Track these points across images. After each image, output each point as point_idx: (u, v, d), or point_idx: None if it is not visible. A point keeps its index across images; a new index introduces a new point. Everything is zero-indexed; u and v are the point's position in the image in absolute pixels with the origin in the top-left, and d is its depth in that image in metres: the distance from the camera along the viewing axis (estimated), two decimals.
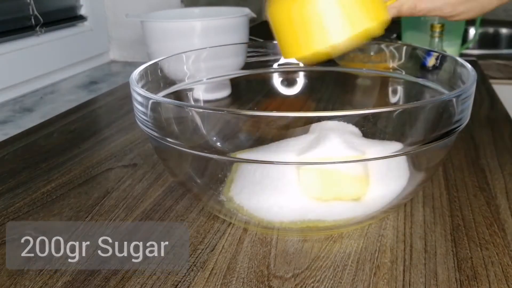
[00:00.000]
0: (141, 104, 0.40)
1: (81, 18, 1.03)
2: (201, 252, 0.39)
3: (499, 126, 0.66)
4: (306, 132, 0.41)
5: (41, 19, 0.90)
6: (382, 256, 0.38)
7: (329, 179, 0.40)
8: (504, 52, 1.17)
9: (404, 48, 0.55)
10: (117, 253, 0.39)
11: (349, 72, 0.60)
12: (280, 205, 0.40)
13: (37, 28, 0.90)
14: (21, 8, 0.87)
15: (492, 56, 1.09)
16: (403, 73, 0.55)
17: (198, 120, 0.38)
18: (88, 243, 0.41)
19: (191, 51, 0.55)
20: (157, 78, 0.50)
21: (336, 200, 0.40)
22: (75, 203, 0.48)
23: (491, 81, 0.99)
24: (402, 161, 0.42)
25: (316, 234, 0.41)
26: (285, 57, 0.45)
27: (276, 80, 0.62)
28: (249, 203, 0.41)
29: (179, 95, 0.54)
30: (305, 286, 0.35)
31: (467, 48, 1.13)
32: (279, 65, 0.61)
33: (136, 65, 0.47)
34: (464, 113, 0.39)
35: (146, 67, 0.47)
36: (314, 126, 0.41)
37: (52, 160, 0.58)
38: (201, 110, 0.39)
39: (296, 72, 0.61)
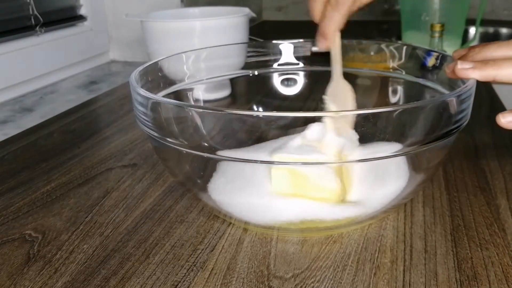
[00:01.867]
0: (141, 104, 0.40)
1: (81, 18, 1.03)
2: (201, 252, 0.39)
3: (499, 126, 0.65)
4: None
5: (41, 19, 0.90)
6: (382, 256, 0.38)
7: (296, 180, 0.40)
8: None
9: (404, 48, 0.55)
10: (116, 253, 0.40)
11: (349, 72, 0.60)
12: (252, 203, 0.41)
13: (37, 28, 0.90)
14: (21, 8, 0.87)
15: None
16: (403, 73, 0.55)
17: (198, 120, 0.38)
18: (88, 243, 0.41)
19: (191, 51, 0.55)
20: (157, 78, 0.50)
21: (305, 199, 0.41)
22: (75, 203, 0.48)
23: None
24: (401, 161, 0.42)
25: (316, 234, 0.41)
26: None
27: (276, 80, 0.62)
28: (223, 199, 0.42)
29: (179, 95, 0.54)
30: (305, 286, 0.35)
31: None
32: (279, 65, 0.61)
33: (136, 65, 0.47)
34: (464, 113, 0.39)
35: (146, 67, 0.47)
36: (301, 128, 0.42)
37: (52, 160, 0.58)
38: (201, 110, 0.39)
39: (296, 72, 0.61)
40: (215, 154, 0.38)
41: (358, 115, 0.36)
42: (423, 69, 0.52)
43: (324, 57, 0.59)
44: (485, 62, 0.40)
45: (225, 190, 0.42)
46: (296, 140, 0.41)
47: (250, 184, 0.41)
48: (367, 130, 0.40)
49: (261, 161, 0.38)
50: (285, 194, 0.40)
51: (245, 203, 0.41)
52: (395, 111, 0.36)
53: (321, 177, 0.40)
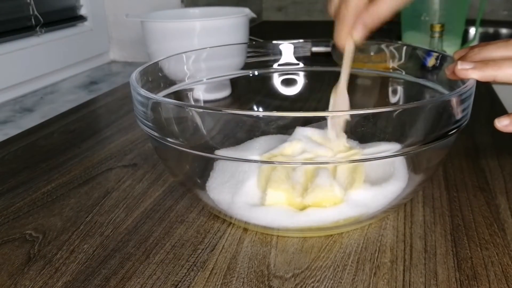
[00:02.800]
0: (141, 104, 0.40)
1: (81, 18, 1.03)
2: (201, 252, 0.39)
3: None
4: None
5: (41, 19, 0.90)
6: (382, 256, 0.38)
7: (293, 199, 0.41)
8: None
9: (404, 48, 0.55)
10: (116, 253, 0.40)
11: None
12: (248, 203, 0.41)
13: (37, 28, 0.90)
14: (21, 8, 0.87)
15: None
16: (403, 73, 0.55)
17: (198, 120, 0.38)
18: (88, 243, 0.41)
19: (191, 51, 0.55)
20: (157, 78, 0.50)
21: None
22: (75, 203, 0.48)
23: None
24: (401, 161, 0.42)
25: (316, 234, 0.41)
26: None
27: (276, 80, 0.62)
28: (220, 199, 0.42)
29: (179, 95, 0.54)
30: (305, 286, 0.35)
31: None
32: (279, 65, 0.61)
33: (136, 65, 0.47)
34: (464, 113, 0.39)
35: (146, 67, 0.47)
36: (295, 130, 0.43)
37: (52, 160, 0.58)
38: (201, 110, 0.39)
39: (296, 72, 0.61)
40: (215, 154, 0.38)
41: (358, 115, 0.36)
42: (423, 69, 0.52)
43: (324, 57, 0.59)
44: (485, 62, 0.40)
45: (222, 189, 0.42)
46: (289, 143, 0.42)
47: (246, 185, 0.41)
48: (367, 130, 0.40)
49: (260, 161, 0.38)
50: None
51: (241, 202, 0.41)
52: (395, 111, 0.36)
53: (321, 187, 0.40)
